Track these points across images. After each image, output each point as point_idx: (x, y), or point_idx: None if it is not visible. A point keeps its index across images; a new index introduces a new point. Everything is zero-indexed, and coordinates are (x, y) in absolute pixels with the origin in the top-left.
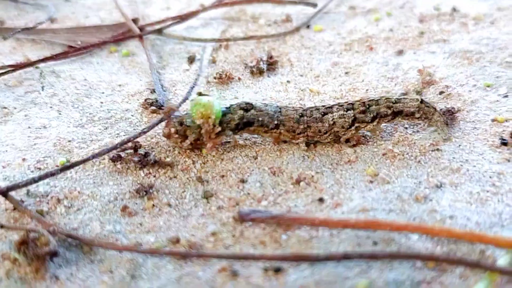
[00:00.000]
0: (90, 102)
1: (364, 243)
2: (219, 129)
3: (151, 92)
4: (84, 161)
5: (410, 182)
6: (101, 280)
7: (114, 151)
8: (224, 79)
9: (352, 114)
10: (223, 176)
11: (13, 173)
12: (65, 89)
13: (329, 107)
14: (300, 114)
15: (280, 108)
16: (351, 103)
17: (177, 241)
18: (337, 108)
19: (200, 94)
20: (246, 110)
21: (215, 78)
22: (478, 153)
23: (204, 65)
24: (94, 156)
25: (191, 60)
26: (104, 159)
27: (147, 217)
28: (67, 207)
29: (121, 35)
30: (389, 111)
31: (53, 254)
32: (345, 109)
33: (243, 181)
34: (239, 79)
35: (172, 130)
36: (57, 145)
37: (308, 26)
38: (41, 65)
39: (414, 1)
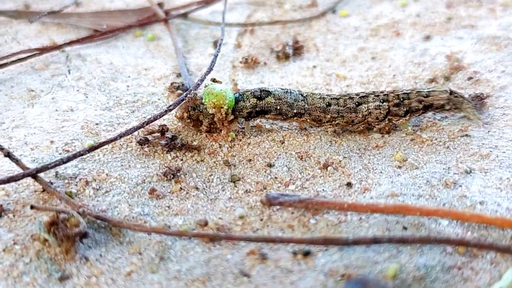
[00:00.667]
0: (117, 86)
1: (394, 228)
2: (232, 117)
3: (177, 76)
4: (111, 141)
5: (439, 168)
6: (130, 261)
7: (142, 135)
8: (250, 64)
9: (387, 106)
10: (250, 160)
11: (41, 155)
12: (91, 73)
13: (364, 96)
14: (328, 103)
15: (304, 96)
16: (386, 94)
17: (205, 224)
18: (373, 99)
19: (213, 80)
20: (260, 98)
21: (241, 62)
22: (508, 139)
23: (229, 49)
24: (121, 135)
25: (217, 44)
26: (131, 142)
27: (175, 200)
28: (95, 189)
29: (146, 19)
30: (420, 106)
31: (83, 235)
32: (381, 100)
33: (270, 165)
34: (265, 63)
35: (185, 114)
36: (85, 128)
37: (334, 11)
38: (67, 48)
39: None
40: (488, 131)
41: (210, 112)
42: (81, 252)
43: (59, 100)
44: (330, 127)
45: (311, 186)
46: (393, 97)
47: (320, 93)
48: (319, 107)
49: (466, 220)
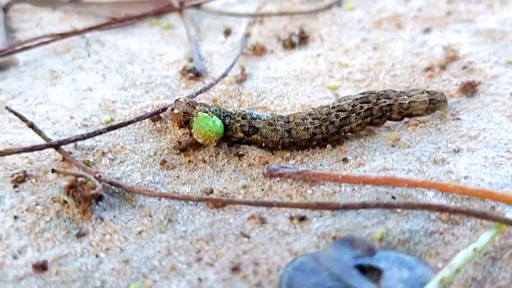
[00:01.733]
0: (133, 69)
1: (383, 198)
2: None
3: (189, 61)
4: (129, 123)
5: (430, 147)
6: (141, 222)
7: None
8: (257, 51)
9: (369, 120)
10: None
11: (62, 128)
12: (109, 57)
13: (345, 118)
14: (312, 134)
15: (288, 131)
16: (369, 109)
17: (210, 191)
18: (355, 118)
19: (205, 111)
20: (248, 135)
21: (249, 49)
22: (496, 122)
23: (239, 38)
24: (139, 118)
25: (227, 33)
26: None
27: (184, 171)
28: (111, 159)
29: (162, 9)
30: (399, 116)
31: (99, 198)
32: (363, 117)
33: None
34: (272, 51)
35: (175, 120)
36: (102, 105)
37: (339, 4)
38: (87, 34)
39: None
40: (478, 115)
41: (199, 141)
42: (96, 213)
43: (79, 81)
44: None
45: (310, 161)
46: (377, 110)
47: (304, 119)
48: (304, 139)
49: (450, 191)
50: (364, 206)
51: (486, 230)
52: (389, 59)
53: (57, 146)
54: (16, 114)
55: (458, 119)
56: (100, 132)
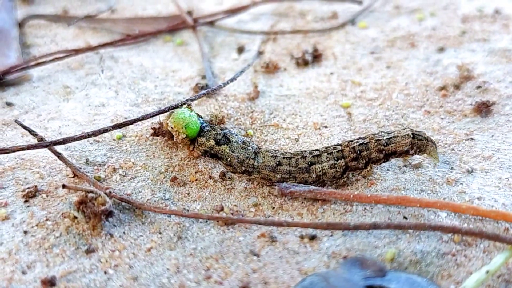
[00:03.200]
0: (145, 85)
1: (395, 218)
2: (189, 143)
3: (201, 78)
4: (134, 121)
5: (443, 167)
6: (151, 239)
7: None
8: (270, 68)
9: (343, 163)
10: None
11: (74, 144)
12: (122, 73)
13: (317, 156)
14: (278, 162)
15: (256, 153)
16: (340, 150)
17: (221, 209)
18: (327, 157)
19: (188, 106)
20: (218, 144)
21: (262, 67)
22: (510, 143)
23: (253, 55)
24: (144, 117)
25: (240, 50)
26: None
27: (194, 188)
28: (122, 175)
29: (175, 26)
30: (381, 155)
31: (109, 214)
32: (335, 158)
33: None
34: (285, 69)
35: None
36: (114, 121)
37: (353, 23)
38: (101, 50)
39: (458, 2)
40: (492, 136)
41: (168, 130)
42: (106, 229)
43: (92, 96)
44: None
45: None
46: (349, 151)
47: (275, 150)
48: (269, 165)
49: (462, 212)
50: (375, 226)
51: (499, 252)
52: (402, 77)
53: (49, 145)
54: (25, 128)
55: (472, 139)
56: (105, 130)
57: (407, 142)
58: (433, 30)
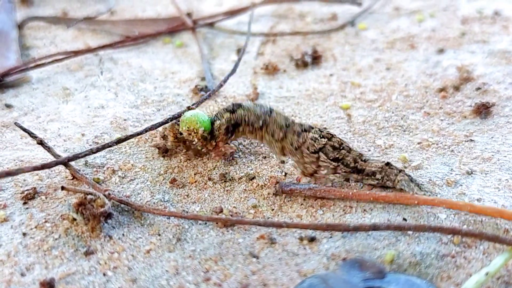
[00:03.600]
0: (145, 87)
1: (395, 219)
2: (212, 140)
3: (201, 80)
4: (138, 134)
5: (442, 169)
6: (150, 241)
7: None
8: (270, 70)
9: (324, 142)
10: (265, 157)
11: (73, 146)
12: (122, 74)
13: (311, 127)
14: (287, 125)
15: (271, 110)
16: (332, 135)
17: (220, 211)
18: (315, 131)
19: (188, 108)
20: (233, 112)
21: (261, 69)
22: (510, 144)
23: (252, 57)
24: (147, 129)
25: (240, 52)
26: (156, 136)
27: (194, 190)
28: (121, 177)
29: (175, 27)
30: (353, 164)
31: (108, 216)
32: (321, 136)
33: (283, 162)
34: (285, 70)
35: (169, 136)
36: (114, 123)
37: (353, 25)
38: (101, 52)
39: (458, 4)
40: (492, 137)
41: (189, 139)
42: (105, 231)
43: (91, 98)
44: (277, 150)
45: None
46: (336, 140)
47: (289, 117)
48: (279, 123)
49: (460, 209)
50: (375, 228)
51: (499, 254)
52: (402, 79)
53: (66, 163)
54: (25, 130)
55: (471, 140)
56: (109, 146)
57: (378, 165)
58: (432, 32)
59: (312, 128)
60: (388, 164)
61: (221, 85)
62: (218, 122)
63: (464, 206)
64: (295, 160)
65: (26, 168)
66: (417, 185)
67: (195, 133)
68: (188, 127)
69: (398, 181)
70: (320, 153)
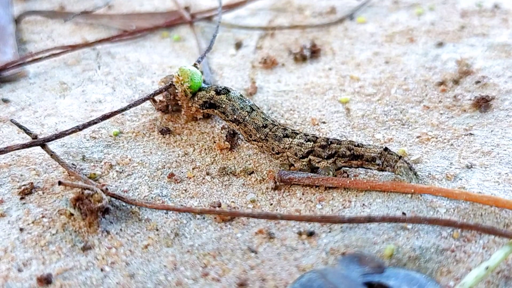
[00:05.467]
0: (142, 81)
1: (393, 213)
2: (191, 99)
3: None
4: (122, 110)
5: (442, 163)
6: (148, 236)
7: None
8: (268, 64)
9: (310, 146)
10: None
11: (70, 140)
12: (119, 69)
13: (294, 132)
14: (264, 125)
15: (252, 109)
16: (316, 137)
17: (218, 205)
18: (300, 137)
19: (194, 64)
20: (218, 93)
21: (260, 63)
22: (510, 138)
23: (250, 51)
24: (130, 106)
25: (238, 46)
26: (154, 131)
27: (192, 185)
28: (118, 172)
29: (173, 21)
30: (348, 152)
31: (105, 211)
32: (307, 140)
33: None
34: (283, 64)
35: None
36: (111, 118)
37: (351, 18)
38: (98, 46)
39: None
40: (491, 131)
41: (175, 85)
42: (103, 226)
43: (88, 93)
44: (256, 145)
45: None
46: (322, 139)
47: (269, 116)
48: (256, 123)
49: (455, 197)
50: (370, 219)
51: (499, 248)
52: (401, 73)
53: (42, 143)
54: (20, 127)
55: (471, 134)
56: (94, 122)
57: (377, 151)
58: (432, 25)
59: (297, 133)
60: (386, 149)
61: (199, 61)
62: (202, 93)
63: (460, 195)
64: (280, 163)
65: (11, 147)
66: (415, 174)
67: (181, 84)
68: (179, 75)
69: (397, 168)
70: (311, 157)
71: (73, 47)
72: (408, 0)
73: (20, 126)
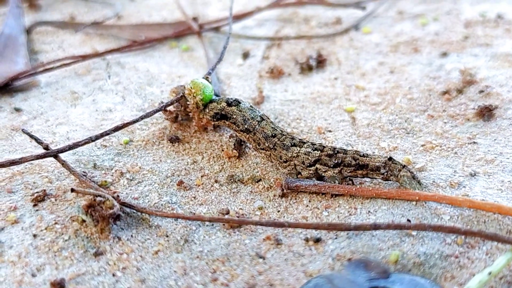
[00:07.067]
0: (152, 90)
1: (399, 220)
2: (203, 111)
3: None
4: (134, 122)
5: (446, 171)
6: (158, 242)
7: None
8: (275, 74)
9: (317, 154)
10: None
11: (82, 149)
12: (129, 78)
13: (301, 142)
14: (273, 134)
15: (262, 118)
16: (323, 146)
17: (226, 212)
18: (307, 146)
19: (206, 78)
20: (229, 105)
21: (267, 72)
22: None
23: (257, 60)
24: (142, 117)
25: (245, 55)
26: (163, 140)
27: (201, 192)
28: (129, 179)
29: (181, 32)
30: (353, 162)
31: (117, 217)
32: (314, 149)
33: None
34: (290, 74)
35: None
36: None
37: (357, 28)
38: (108, 56)
39: (461, 7)
40: (495, 139)
41: (187, 97)
42: (114, 233)
43: (99, 102)
44: (263, 154)
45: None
46: (329, 148)
47: (278, 127)
48: (265, 132)
49: (459, 204)
50: (376, 227)
51: (502, 254)
52: (406, 82)
53: (56, 155)
54: (31, 136)
55: (474, 142)
56: (106, 134)
57: (381, 160)
58: (436, 35)
59: (304, 142)
60: (390, 159)
61: (209, 73)
62: (213, 104)
63: (463, 202)
64: (288, 172)
65: (26, 158)
66: (418, 182)
67: (193, 96)
68: (191, 87)
69: (400, 177)
70: (318, 165)
71: (84, 57)
72: (413, 10)
73: (31, 136)
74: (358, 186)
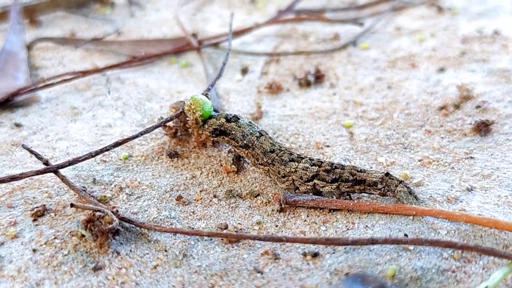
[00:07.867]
0: (151, 106)
1: (396, 235)
2: (202, 126)
3: None
4: (134, 137)
5: (443, 186)
6: (157, 257)
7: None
8: (273, 89)
9: (315, 170)
10: None
11: (81, 164)
12: (128, 94)
13: (299, 157)
14: (272, 150)
15: (260, 134)
16: (320, 161)
17: (225, 227)
18: (305, 161)
19: (206, 94)
20: (228, 121)
21: (265, 88)
22: (509, 161)
23: (256, 76)
24: (142, 133)
25: (244, 71)
26: (162, 155)
27: (199, 207)
28: (128, 194)
29: (180, 47)
30: (351, 177)
31: (116, 232)
32: (311, 164)
33: None
34: (288, 89)
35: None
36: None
37: (355, 44)
38: (108, 72)
39: (458, 23)
40: (491, 154)
41: (186, 113)
42: (113, 247)
43: (99, 117)
44: (261, 169)
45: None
46: (327, 164)
47: (276, 142)
48: (264, 148)
49: (456, 219)
50: (373, 241)
51: (498, 268)
52: (403, 98)
53: (55, 170)
54: (31, 152)
55: (471, 157)
56: (106, 149)
57: (378, 175)
58: (433, 51)
59: (302, 158)
60: (387, 174)
61: (209, 89)
62: (212, 120)
63: (460, 217)
64: (286, 187)
65: (26, 173)
66: (415, 197)
67: (193, 112)
68: (191, 103)
69: (397, 192)
70: (315, 180)
71: (84, 73)
72: (410, 26)
73: (31, 151)
74: (355, 201)
